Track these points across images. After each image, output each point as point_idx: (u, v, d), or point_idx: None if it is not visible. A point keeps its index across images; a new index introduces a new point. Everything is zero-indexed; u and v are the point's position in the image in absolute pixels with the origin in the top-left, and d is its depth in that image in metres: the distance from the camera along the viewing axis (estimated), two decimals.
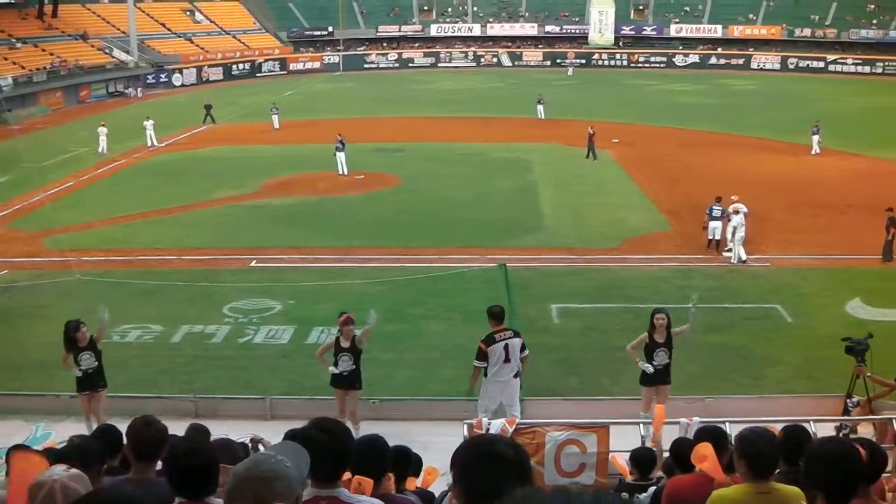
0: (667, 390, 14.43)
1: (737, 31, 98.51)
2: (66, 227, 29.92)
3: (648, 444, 11.90)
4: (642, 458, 9.28)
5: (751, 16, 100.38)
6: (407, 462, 7.39)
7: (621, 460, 10.83)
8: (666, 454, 9.27)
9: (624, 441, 12.05)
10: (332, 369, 14.59)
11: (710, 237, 27.19)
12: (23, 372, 18.24)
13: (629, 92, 73.30)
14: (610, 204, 33.30)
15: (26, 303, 23.31)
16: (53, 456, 6.72)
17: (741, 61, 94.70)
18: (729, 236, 27.31)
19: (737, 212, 26.53)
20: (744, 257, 25.30)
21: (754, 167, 39.50)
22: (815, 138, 43.52)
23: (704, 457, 6.25)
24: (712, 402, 14.94)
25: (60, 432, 10.67)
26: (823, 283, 24.12)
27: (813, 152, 43.19)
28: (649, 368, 14.24)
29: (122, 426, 6.59)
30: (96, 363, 14.41)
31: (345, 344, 14.51)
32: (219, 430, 9.25)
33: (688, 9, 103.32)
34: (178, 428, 5.99)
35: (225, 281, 24.61)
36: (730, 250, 26.55)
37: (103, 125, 47.24)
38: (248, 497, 3.37)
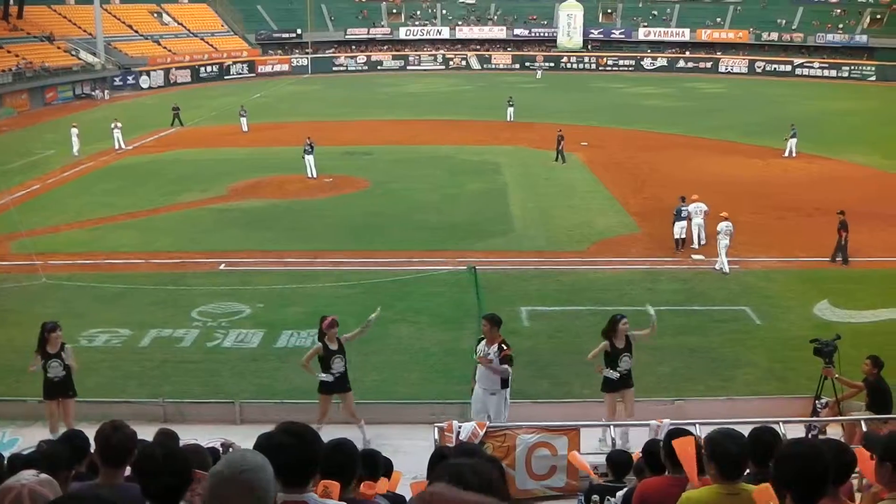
0: (632, 394, 14.36)
1: (704, 35, 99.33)
2: (32, 231, 29.65)
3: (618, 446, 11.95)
4: (618, 461, 9.29)
5: (718, 20, 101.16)
6: (375, 465, 7.35)
7: (581, 458, 10.83)
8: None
9: (594, 444, 12.10)
10: (323, 376, 14.33)
11: (676, 237, 27.36)
12: None
13: (598, 95, 73.60)
14: (579, 207, 33.39)
15: None
16: (21, 462, 6.67)
17: (709, 65, 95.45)
18: (694, 235, 27.55)
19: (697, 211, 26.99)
20: (727, 270, 25.04)
21: (721, 170, 39.77)
22: (793, 141, 43.75)
23: (689, 455, 6.25)
24: (682, 405, 14.98)
25: (28, 438, 10.55)
26: (791, 286, 24.27)
27: (786, 155, 43.44)
28: (615, 375, 14.11)
29: (90, 431, 6.54)
30: (64, 372, 14.24)
31: (333, 346, 14.33)
32: (188, 434, 9.21)
33: (656, 13, 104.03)
34: (146, 433, 5.95)
35: (193, 284, 24.45)
36: (696, 251, 26.81)
37: (75, 126, 47.03)
38: (231, 496, 3.34)
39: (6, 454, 8.18)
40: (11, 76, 68.38)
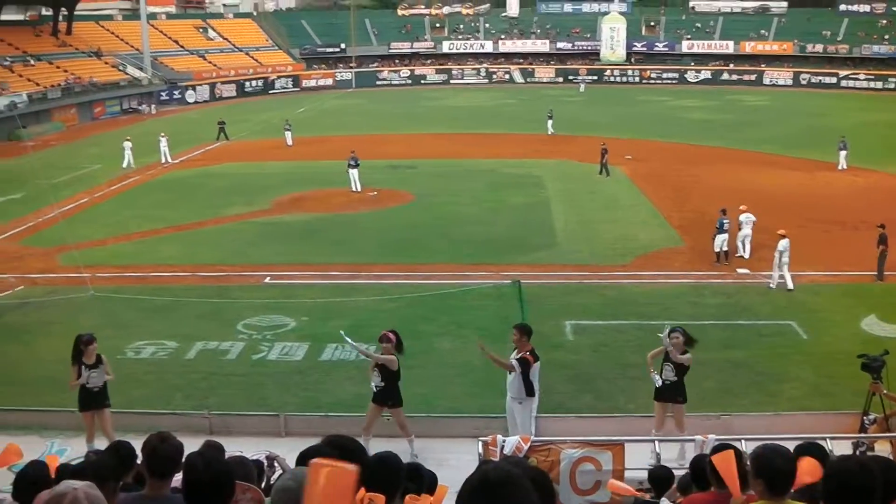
0: (682, 410, 14.31)
1: (748, 47, 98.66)
2: (80, 244, 29.99)
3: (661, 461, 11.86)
4: (659, 477, 9.23)
5: (763, 32, 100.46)
6: (420, 479, 7.35)
7: (620, 485, 10.74)
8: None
9: (638, 459, 12.01)
10: (376, 384, 14.64)
11: (717, 250, 27.21)
12: (37, 388, 18.24)
13: (641, 108, 73.29)
14: (622, 220, 33.27)
15: (40, 319, 23.36)
16: (69, 472, 6.74)
17: (753, 77, 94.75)
18: (744, 246, 27.40)
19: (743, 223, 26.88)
20: (791, 286, 24.59)
21: (765, 182, 39.44)
22: (843, 154, 43.31)
23: (730, 469, 6.20)
24: (728, 420, 14.86)
25: (76, 448, 10.68)
26: (838, 300, 24.02)
27: (840, 168, 43.00)
28: (658, 380, 14.15)
29: (136, 442, 6.60)
30: (100, 384, 14.38)
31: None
32: (233, 446, 9.25)
33: (699, 25, 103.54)
34: (192, 445, 5.99)
35: (238, 297, 24.61)
36: (741, 264, 26.67)
37: (128, 140, 47.73)
38: None
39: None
40: (60, 91, 69.42)
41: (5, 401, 17.00)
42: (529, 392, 13.95)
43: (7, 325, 23.23)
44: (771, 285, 24.89)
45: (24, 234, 32.88)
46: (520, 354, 13.77)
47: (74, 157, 51.37)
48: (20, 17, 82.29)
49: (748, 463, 5.91)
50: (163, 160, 48.15)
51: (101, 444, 12.38)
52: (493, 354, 14.19)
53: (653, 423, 14.35)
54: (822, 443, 8.05)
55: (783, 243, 24.77)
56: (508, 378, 14.05)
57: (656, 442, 12.69)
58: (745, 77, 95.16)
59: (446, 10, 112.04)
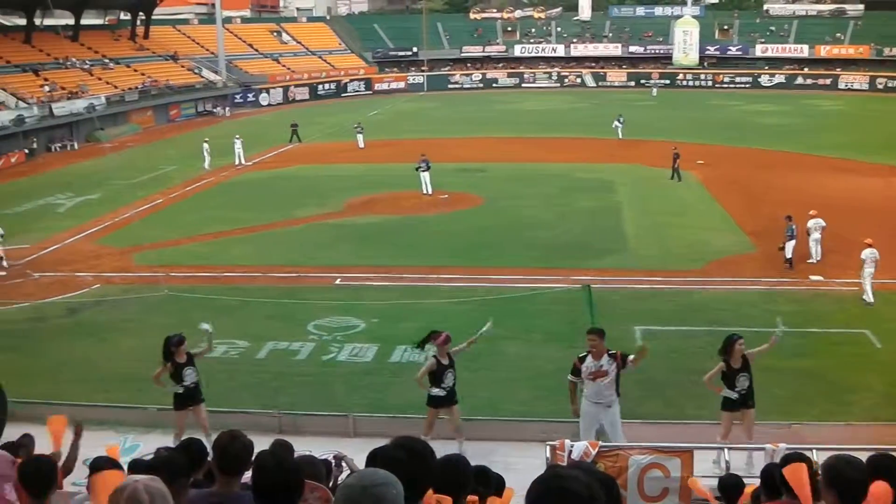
0: (752, 415, 14.12)
1: (823, 51, 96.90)
2: (155, 244, 30.48)
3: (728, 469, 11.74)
4: (729, 485, 9.14)
5: (838, 35, 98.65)
6: (487, 482, 7.36)
7: (700, 484, 10.66)
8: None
9: (707, 466, 11.91)
10: (435, 391, 14.54)
11: (789, 256, 26.89)
12: (112, 384, 18.61)
13: (713, 112, 72.48)
14: (694, 225, 32.98)
15: (115, 317, 23.82)
16: (142, 467, 6.88)
17: (828, 81, 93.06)
18: (813, 251, 27.16)
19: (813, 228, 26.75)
20: (871, 299, 23.75)
21: (839, 188, 38.78)
22: None
23: (802, 481, 6.13)
24: (799, 429, 14.64)
25: (148, 445, 10.86)
26: None
27: None
28: (734, 395, 13.94)
29: (207, 440, 6.69)
30: (192, 383, 14.61)
31: (445, 361, 14.55)
32: (302, 446, 9.34)
33: (773, 28, 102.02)
34: (261, 443, 6.07)
35: (309, 298, 24.81)
36: (813, 269, 26.34)
37: (206, 141, 48.47)
38: None
39: (127, 459, 8.44)
40: (137, 94, 70.63)
41: (81, 397, 17.34)
42: (617, 392, 13.87)
43: (84, 322, 23.72)
44: (865, 298, 23.90)
45: (101, 234, 33.50)
46: (614, 360, 13.65)
47: (150, 159, 52.22)
48: (99, 21, 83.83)
49: (819, 473, 5.84)
50: (236, 162, 48.74)
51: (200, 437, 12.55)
52: (607, 378, 13.94)
53: (733, 432, 14.13)
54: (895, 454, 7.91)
55: (867, 252, 23.97)
56: (590, 386, 13.91)
57: (725, 450, 12.57)
58: (820, 81, 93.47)
59: (518, 13, 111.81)
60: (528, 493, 3.39)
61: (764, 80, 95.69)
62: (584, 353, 13.82)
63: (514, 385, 18.55)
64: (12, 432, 9.99)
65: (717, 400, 14.32)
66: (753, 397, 14.08)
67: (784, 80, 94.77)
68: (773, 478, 7.41)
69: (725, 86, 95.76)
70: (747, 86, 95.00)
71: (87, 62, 71.82)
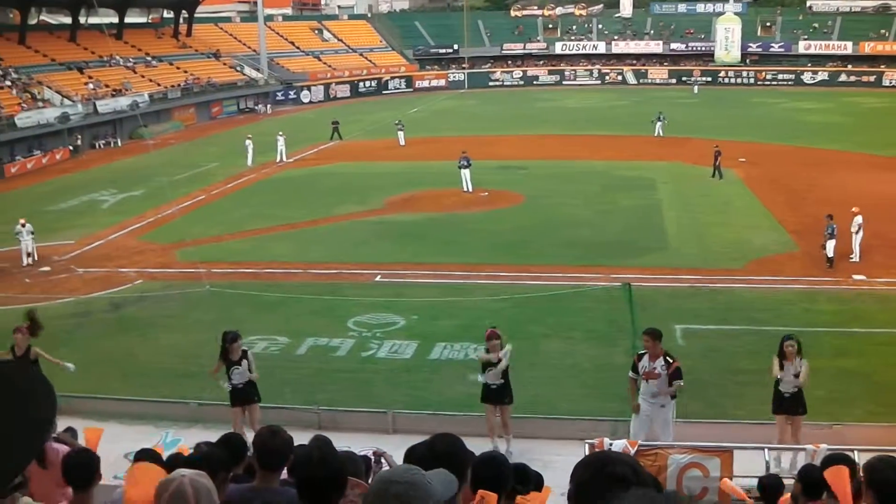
0: (800, 422, 14.01)
1: (868, 48, 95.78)
2: (197, 240, 30.70)
3: (773, 469, 11.68)
4: (769, 485, 9.08)
5: (883, 31, 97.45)
6: (526, 479, 7.35)
7: (732, 484, 10.60)
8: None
9: (747, 466, 11.82)
10: (481, 378, 14.70)
11: (831, 255, 26.65)
12: (154, 379, 18.77)
13: (756, 110, 71.83)
14: (735, 224, 32.72)
15: (156, 312, 24.03)
16: (182, 461, 6.94)
17: (872, 78, 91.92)
18: (855, 248, 26.92)
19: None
20: None
21: (883, 187, 38.32)
22: None
23: (843, 484, 6.09)
24: (840, 430, 14.51)
25: (188, 439, 10.95)
26: None
27: None
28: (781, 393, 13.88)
29: (247, 435, 6.75)
30: (246, 379, 14.63)
31: (493, 358, 14.61)
32: (341, 442, 9.35)
33: (816, 25, 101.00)
34: (301, 439, 6.09)
35: (349, 295, 24.90)
36: (856, 269, 26.12)
37: (249, 138, 48.79)
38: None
39: (168, 453, 8.52)
40: (180, 91, 71.26)
41: (123, 391, 17.54)
42: (673, 395, 13.88)
43: (126, 317, 23.96)
44: None
45: (144, 230, 33.82)
46: (669, 367, 13.59)
47: (193, 156, 52.64)
48: (143, 19, 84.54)
49: (861, 474, 5.80)
50: (278, 159, 49.02)
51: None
52: (658, 382, 13.90)
53: (773, 433, 14.02)
54: None
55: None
56: (644, 386, 13.86)
57: (766, 450, 12.49)
58: (864, 78, 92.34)
59: (559, 10, 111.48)
60: (574, 473, 3.38)
61: (807, 77, 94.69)
62: (643, 352, 13.88)
63: (553, 383, 18.50)
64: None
65: (757, 399, 14.23)
66: (805, 404, 13.95)
67: (827, 78, 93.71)
68: (812, 478, 7.36)
69: (768, 83, 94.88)
70: (790, 83, 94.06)
71: (131, 60, 72.46)
